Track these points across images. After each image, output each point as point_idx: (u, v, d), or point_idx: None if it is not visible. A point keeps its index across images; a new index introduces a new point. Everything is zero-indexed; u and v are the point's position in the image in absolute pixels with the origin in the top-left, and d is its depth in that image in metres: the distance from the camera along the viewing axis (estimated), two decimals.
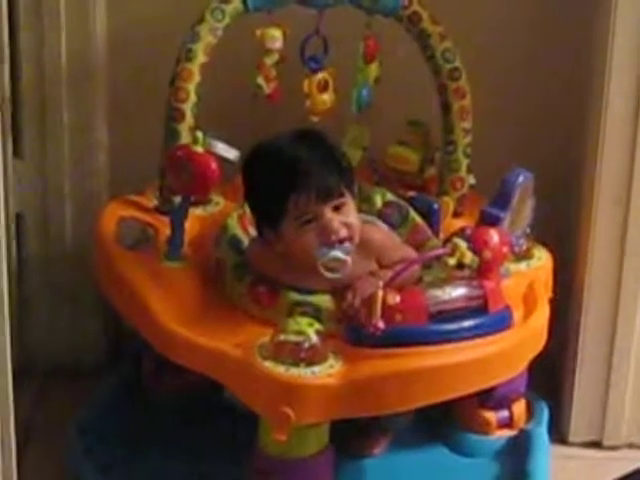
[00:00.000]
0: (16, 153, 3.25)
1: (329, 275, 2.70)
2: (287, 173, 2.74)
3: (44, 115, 3.26)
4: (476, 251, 2.74)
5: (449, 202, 3.05)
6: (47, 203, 3.32)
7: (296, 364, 2.57)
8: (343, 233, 2.71)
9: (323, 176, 2.73)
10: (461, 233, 2.85)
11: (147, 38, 3.18)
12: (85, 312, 3.25)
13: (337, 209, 2.73)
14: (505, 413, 3.09)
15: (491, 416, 3.08)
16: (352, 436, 2.95)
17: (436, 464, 3.04)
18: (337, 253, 2.68)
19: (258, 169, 2.86)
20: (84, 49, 3.23)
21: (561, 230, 3.16)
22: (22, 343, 3.30)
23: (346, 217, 2.73)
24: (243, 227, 2.95)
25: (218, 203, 3.06)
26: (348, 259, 2.69)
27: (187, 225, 2.91)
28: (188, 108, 2.92)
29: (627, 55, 2.96)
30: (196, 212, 3.01)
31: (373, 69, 3.05)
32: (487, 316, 2.72)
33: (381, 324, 2.60)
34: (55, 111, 3.26)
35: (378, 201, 3.08)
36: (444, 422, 3.09)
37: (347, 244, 2.72)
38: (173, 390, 3.01)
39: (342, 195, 2.75)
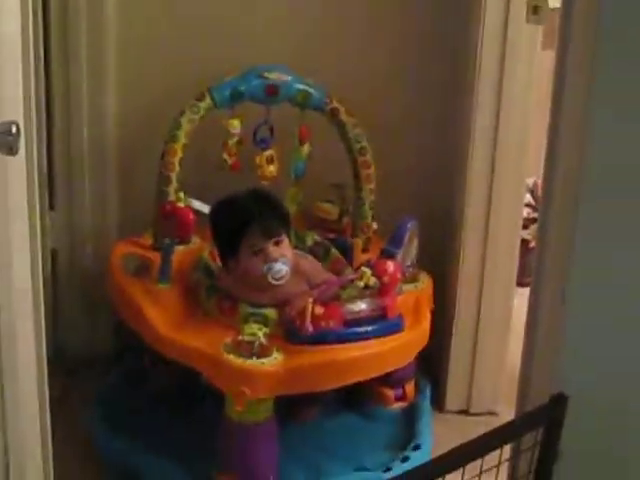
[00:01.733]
0: (51, 207, 3.30)
1: (276, 283, 2.82)
2: (242, 219, 2.84)
3: (71, 180, 3.35)
4: (377, 276, 2.82)
5: (359, 242, 3.15)
6: (73, 241, 3.40)
7: (250, 357, 2.66)
8: (279, 257, 2.81)
9: (266, 221, 2.83)
10: (367, 263, 2.93)
11: (145, 122, 3.24)
12: (100, 318, 3.34)
13: (277, 244, 2.83)
14: (400, 391, 3.18)
15: (390, 393, 3.17)
16: (293, 407, 2.99)
17: (351, 427, 3.12)
18: (280, 266, 2.79)
19: (221, 217, 2.95)
20: (100, 131, 3.32)
21: (438, 261, 3.22)
22: (55, 340, 3.34)
23: (282, 249, 2.84)
24: (213, 259, 3.02)
25: (195, 242, 3.11)
26: (287, 270, 2.80)
27: (173, 258, 2.97)
28: (173, 176, 3.00)
29: (484, 132, 3.05)
30: (180, 248, 3.05)
31: (305, 148, 3.13)
32: (386, 322, 2.83)
33: (310, 328, 2.71)
34: (79, 176, 3.35)
35: (309, 241, 3.19)
36: (357, 397, 3.14)
37: (284, 261, 2.80)
38: (164, 375, 3.04)
39: (280, 234, 2.84)
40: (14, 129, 1.90)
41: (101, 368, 3.30)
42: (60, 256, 3.41)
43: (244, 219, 2.85)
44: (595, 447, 2.00)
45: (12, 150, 1.90)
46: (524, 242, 3.29)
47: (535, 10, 2.95)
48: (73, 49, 3.20)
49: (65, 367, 3.38)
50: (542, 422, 1.98)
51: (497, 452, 1.92)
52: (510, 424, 2.02)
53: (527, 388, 2.17)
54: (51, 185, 3.31)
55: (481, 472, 1.92)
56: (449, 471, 1.82)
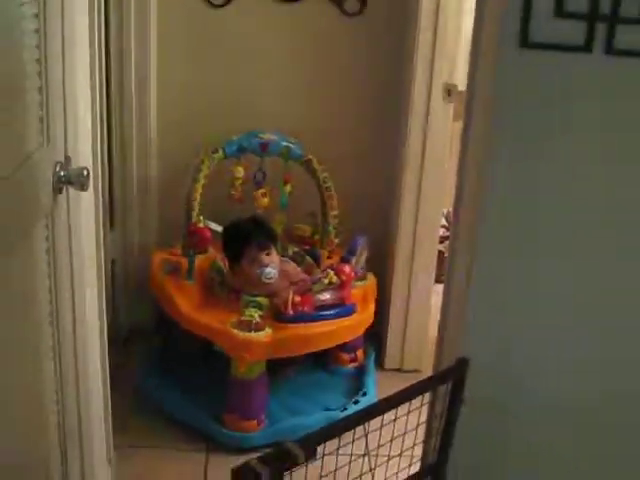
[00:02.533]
0: (111, 226, 3.31)
1: (266, 281, 2.88)
2: (243, 237, 2.91)
3: (125, 210, 3.37)
4: (338, 276, 2.86)
5: (325, 252, 3.20)
6: (126, 253, 3.43)
7: (249, 331, 2.71)
8: (269, 263, 2.85)
9: (260, 238, 2.90)
10: (331, 267, 2.99)
11: (176, 166, 3.27)
12: (144, 304, 3.31)
13: (268, 254, 2.88)
14: (353, 355, 3.21)
15: (346, 356, 3.20)
16: (278, 368, 2.99)
17: (319, 381, 3.16)
18: (269, 270, 2.85)
19: (229, 235, 3.02)
20: (145, 172, 3.35)
21: (380, 266, 3.25)
22: (114, 320, 3.36)
23: (272, 258, 2.90)
24: (223, 263, 3.04)
25: (211, 252, 3.12)
26: (274, 272, 2.86)
27: (197, 262, 3.01)
28: (196, 205, 3.03)
29: (413, 177, 3.13)
30: (200, 256, 3.07)
31: (288, 187, 3.15)
32: (343, 307, 2.89)
33: (291, 311, 2.75)
34: (130, 207, 3.37)
35: (290, 251, 3.20)
36: (324, 359, 3.18)
37: (273, 266, 2.84)
38: (189, 343, 3.04)
39: (270, 247, 2.91)
40: (85, 172, 1.92)
41: (145, 339, 3.33)
42: (117, 264, 3.42)
43: (245, 237, 2.91)
44: (487, 395, 2.03)
45: (84, 187, 1.92)
46: (440, 253, 3.33)
47: (449, 92, 3.00)
48: (128, 118, 3.23)
49: (121, 338, 3.41)
50: (451, 378, 2.01)
51: (420, 398, 1.96)
52: (429, 379, 2.05)
53: (440, 354, 2.20)
54: (111, 211, 3.32)
55: (409, 412, 1.95)
56: (387, 410, 1.86)
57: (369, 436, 2.02)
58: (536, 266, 1.94)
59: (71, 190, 1.98)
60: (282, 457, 1.65)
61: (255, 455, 1.61)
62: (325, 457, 1.75)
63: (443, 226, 3.73)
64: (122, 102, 3.20)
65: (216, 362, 2.86)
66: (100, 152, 2.28)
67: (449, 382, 2.03)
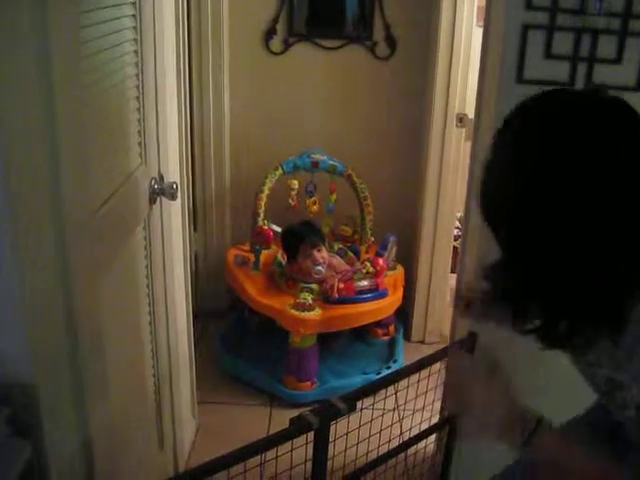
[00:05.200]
0: (195, 229, 3.34)
1: (317, 276, 2.86)
2: (298, 237, 2.91)
3: (205, 215, 3.41)
4: (373, 267, 2.86)
5: (363, 248, 3.19)
6: (206, 249, 3.45)
7: (303, 311, 2.72)
8: (320, 260, 2.86)
9: (312, 238, 2.91)
10: (368, 260, 2.99)
11: (245, 180, 3.28)
12: (219, 290, 3.35)
13: (319, 251, 2.87)
14: (386, 329, 3.19)
15: (380, 331, 3.18)
16: (328, 340, 3.00)
17: (359, 350, 3.14)
18: (319, 267, 2.86)
19: (287, 236, 3.02)
20: (221, 185, 3.38)
21: (407, 258, 3.25)
22: (197, 303, 3.38)
23: (322, 254, 2.89)
24: (283, 258, 3.05)
25: (274, 249, 3.14)
26: (324, 270, 2.85)
27: (262, 256, 3.03)
28: (261, 212, 3.04)
29: (433, 187, 3.11)
30: (265, 252, 3.09)
31: (334, 196, 3.14)
32: (378, 292, 2.89)
33: (336, 295, 2.75)
34: (209, 213, 3.42)
35: (335, 247, 3.21)
36: (363, 334, 3.17)
37: (323, 264, 2.85)
38: (257, 321, 3.08)
39: (320, 245, 2.91)
40: (175, 186, 1.96)
41: (221, 318, 3.35)
42: (199, 257, 3.46)
43: (300, 237, 2.92)
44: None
45: (174, 197, 1.96)
46: (454, 248, 3.32)
47: (461, 120, 3.00)
48: (207, 142, 3.27)
49: (202, 316, 3.43)
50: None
51: (438, 364, 1.97)
52: (445, 349, 2.06)
53: (454, 328, 2.21)
54: (194, 216, 3.36)
55: (429, 375, 1.96)
56: (412, 373, 1.87)
57: (398, 394, 2.04)
58: None
59: (163, 200, 2.03)
60: (329, 410, 1.67)
61: (308, 409, 1.63)
62: (363, 410, 1.77)
63: (456, 227, 3.73)
64: (202, 131, 3.24)
65: (277, 336, 2.88)
66: (186, 169, 2.32)
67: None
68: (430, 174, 3.08)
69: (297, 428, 1.62)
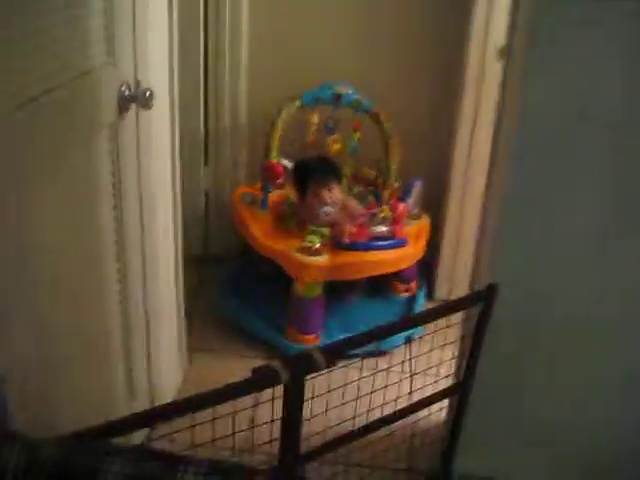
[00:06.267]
0: (205, 163, 3.11)
1: (326, 217, 2.59)
2: (307, 173, 2.64)
3: (218, 148, 3.14)
4: (392, 211, 2.58)
5: (386, 193, 2.82)
6: (218, 185, 3.18)
7: (310, 255, 2.43)
8: (329, 200, 2.58)
9: (323, 175, 2.61)
10: (386, 203, 2.71)
11: (262, 112, 2.87)
12: (230, 232, 3.02)
13: (329, 190, 2.58)
14: (407, 285, 2.90)
15: (401, 286, 2.89)
16: (341, 293, 2.76)
17: (376, 307, 2.84)
18: (328, 208, 2.58)
19: (296, 171, 2.73)
20: (235, 119, 3.11)
21: (435, 210, 2.95)
22: (205, 243, 3.22)
23: (332, 194, 2.60)
24: (294, 198, 2.75)
25: (287, 189, 2.84)
26: (333, 211, 2.57)
27: (274, 196, 2.78)
28: (274, 147, 2.74)
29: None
30: (277, 192, 2.83)
31: (357, 135, 2.84)
32: (394, 240, 2.58)
33: (347, 240, 2.47)
34: (222, 146, 3.14)
35: (355, 190, 2.90)
36: (381, 289, 2.88)
37: (333, 205, 2.57)
38: (263, 269, 2.80)
39: (331, 184, 2.61)
40: (148, 93, 1.69)
41: (233, 264, 3.07)
42: (210, 195, 3.21)
43: (309, 172, 2.64)
44: (514, 317, 1.76)
45: (147, 106, 1.69)
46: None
47: (502, 53, 2.65)
48: (221, 68, 2.99)
49: (213, 261, 3.21)
50: (481, 300, 1.72)
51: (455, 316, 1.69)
52: (461, 299, 1.76)
53: (475, 279, 1.92)
54: (206, 150, 3.11)
55: (448, 326, 1.68)
56: (426, 322, 1.58)
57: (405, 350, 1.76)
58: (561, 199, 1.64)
59: (142, 113, 1.76)
60: (304, 362, 1.39)
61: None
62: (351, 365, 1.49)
63: None
64: (217, 54, 2.96)
65: (285, 283, 2.58)
66: (176, 80, 2.03)
67: (479, 304, 1.74)
68: (464, 114, 2.75)
69: (259, 380, 1.35)
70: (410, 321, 1.55)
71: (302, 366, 1.38)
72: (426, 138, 3.05)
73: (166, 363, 2.20)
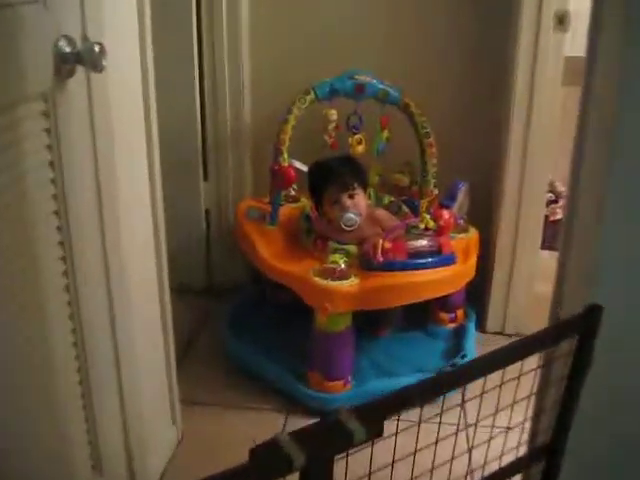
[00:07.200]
0: (205, 179, 2.63)
1: (347, 229, 2.11)
2: (324, 176, 2.16)
3: (218, 160, 2.65)
4: (435, 221, 2.06)
5: (424, 202, 2.33)
6: (219, 203, 2.70)
7: (332, 279, 1.89)
8: (351, 206, 2.11)
9: (342, 177, 2.12)
10: (427, 211, 2.19)
11: (270, 115, 2.39)
12: (239, 255, 2.48)
13: (351, 197, 2.09)
14: (453, 315, 2.39)
15: (446, 316, 2.38)
16: (372, 325, 2.27)
17: (415, 341, 2.35)
18: (350, 215, 2.05)
19: (313, 174, 2.24)
20: (238, 124, 2.61)
21: (483, 223, 2.42)
22: (207, 273, 2.77)
23: (356, 201, 2.13)
24: (312, 211, 2.24)
25: (303, 201, 2.38)
26: (357, 219, 2.06)
27: (287, 210, 2.33)
28: (284, 149, 2.27)
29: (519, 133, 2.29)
30: (292, 205, 2.37)
31: (385, 133, 2.39)
32: (441, 256, 2.04)
33: (380, 258, 1.93)
34: (223, 158, 2.65)
35: (385, 200, 2.42)
36: (421, 319, 2.38)
37: (355, 211, 2.06)
38: (280, 298, 2.31)
39: (354, 189, 2.12)
40: (97, 48, 1.18)
41: (239, 292, 2.57)
42: (212, 215, 2.72)
43: (326, 175, 2.16)
44: (626, 358, 1.24)
45: (95, 67, 1.20)
46: (546, 218, 2.52)
47: (561, 21, 2.15)
48: (219, 63, 2.51)
49: (217, 292, 2.73)
50: (577, 330, 1.20)
51: (529, 361, 1.15)
52: (547, 331, 1.23)
53: (559, 301, 1.39)
54: (204, 162, 2.64)
55: (520, 374, 1.15)
56: (491, 371, 1.05)
57: (465, 405, 1.23)
58: None
59: (96, 82, 1.27)
60: (331, 434, 0.88)
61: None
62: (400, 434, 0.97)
63: (550, 191, 2.89)
64: (213, 46, 2.48)
65: (307, 316, 2.06)
66: (149, 40, 1.55)
67: (574, 337, 1.22)
68: (518, 100, 2.25)
69: (260, 469, 0.83)
70: (491, 362, 1.03)
71: (328, 442, 0.87)
72: (468, 137, 2.55)
73: (148, 424, 1.68)
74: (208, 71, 2.51)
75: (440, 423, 1.07)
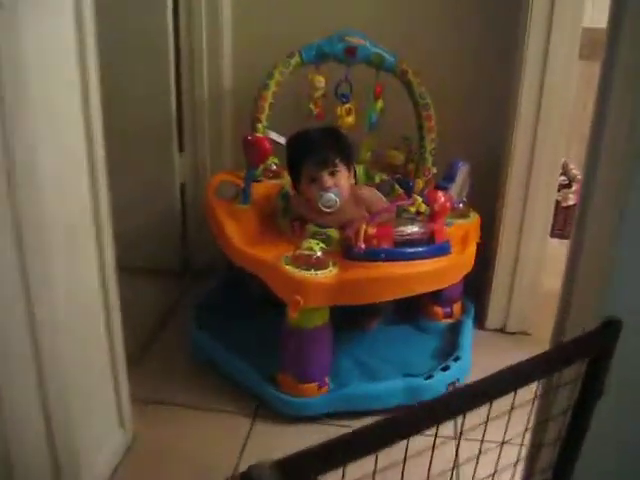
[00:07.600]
0: (180, 150, 2.39)
1: (326, 210, 1.85)
2: (302, 149, 1.91)
3: (195, 132, 2.41)
4: (429, 205, 1.81)
5: (420, 182, 2.13)
6: (196, 176, 2.46)
7: (307, 269, 1.66)
8: (331, 185, 1.86)
9: (322, 151, 1.86)
10: (420, 193, 1.94)
11: (252, 79, 2.16)
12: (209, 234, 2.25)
13: (332, 174, 1.84)
14: (448, 309, 2.15)
15: (440, 310, 2.14)
16: (356, 318, 2.04)
17: (404, 337, 2.10)
18: (330, 195, 1.80)
19: (291, 147, 1.98)
20: (217, 89, 2.37)
21: (486, 208, 2.16)
22: (182, 253, 2.55)
23: (337, 180, 1.87)
24: (292, 188, 1.98)
25: (284, 177, 2.09)
26: (337, 200, 1.81)
27: (264, 188, 2.10)
28: (263, 117, 2.07)
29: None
30: (271, 182, 2.13)
31: (379, 104, 2.18)
32: (434, 245, 1.78)
33: (363, 246, 1.67)
34: (200, 129, 2.41)
35: (377, 179, 2.16)
36: (413, 312, 2.14)
37: (335, 191, 1.81)
38: (251, 289, 2.08)
39: (335, 165, 1.86)
40: None
41: (212, 278, 2.32)
42: (187, 187, 2.49)
43: (304, 148, 1.91)
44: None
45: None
46: (557, 203, 2.27)
47: None
48: (197, 24, 2.26)
49: (193, 275, 2.52)
50: (589, 352, 0.96)
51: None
52: (549, 354, 0.98)
53: (568, 309, 1.14)
54: (180, 133, 2.40)
55: (512, 407, 0.91)
56: (472, 408, 0.80)
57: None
58: None
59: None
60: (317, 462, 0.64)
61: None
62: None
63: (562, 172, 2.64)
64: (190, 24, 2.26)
65: (284, 309, 1.80)
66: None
67: (584, 358, 0.98)
68: (528, 71, 1.98)
69: None
70: (475, 395, 0.78)
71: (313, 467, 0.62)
72: (468, 111, 2.31)
73: (85, 429, 1.45)
74: (184, 25, 2.26)
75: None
